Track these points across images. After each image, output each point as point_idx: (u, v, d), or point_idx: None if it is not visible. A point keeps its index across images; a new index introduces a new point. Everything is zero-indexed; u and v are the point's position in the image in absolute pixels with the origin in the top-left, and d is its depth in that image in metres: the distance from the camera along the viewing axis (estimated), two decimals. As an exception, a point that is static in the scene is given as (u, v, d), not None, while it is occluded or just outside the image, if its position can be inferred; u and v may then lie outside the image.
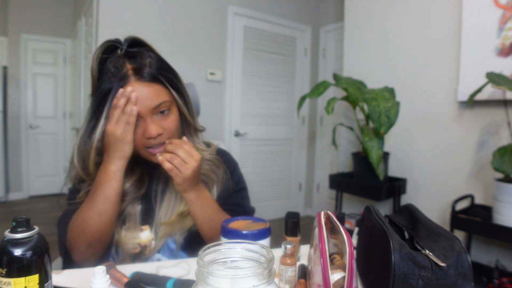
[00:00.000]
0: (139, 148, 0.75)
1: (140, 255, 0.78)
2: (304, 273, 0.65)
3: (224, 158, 0.91)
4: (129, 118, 0.70)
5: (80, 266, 0.75)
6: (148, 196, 0.82)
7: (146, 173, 0.84)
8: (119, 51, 0.76)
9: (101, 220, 0.72)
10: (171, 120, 0.76)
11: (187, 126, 0.85)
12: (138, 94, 0.71)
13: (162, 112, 0.74)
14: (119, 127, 0.70)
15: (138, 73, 0.72)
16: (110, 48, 0.77)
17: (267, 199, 3.35)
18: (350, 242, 0.48)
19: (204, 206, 0.78)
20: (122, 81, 0.71)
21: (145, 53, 0.76)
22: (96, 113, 0.74)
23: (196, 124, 0.86)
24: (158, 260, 0.79)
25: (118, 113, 0.70)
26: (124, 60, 0.73)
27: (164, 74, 0.75)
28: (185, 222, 0.80)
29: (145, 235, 0.79)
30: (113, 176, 0.72)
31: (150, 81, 0.72)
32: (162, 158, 0.72)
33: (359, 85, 2.04)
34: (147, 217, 0.80)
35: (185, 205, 0.80)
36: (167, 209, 0.80)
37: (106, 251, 0.77)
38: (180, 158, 0.71)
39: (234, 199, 0.89)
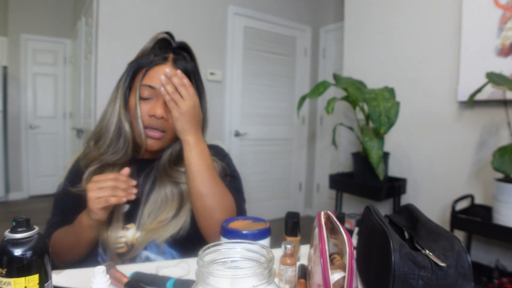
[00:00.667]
0: (139, 124, 0.76)
1: (128, 253, 0.78)
2: (304, 273, 0.65)
3: (213, 151, 0.88)
4: (118, 195, 0.69)
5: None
6: (136, 194, 0.79)
7: (135, 173, 0.82)
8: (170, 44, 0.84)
9: (75, 246, 0.76)
10: None
11: None
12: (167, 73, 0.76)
13: None
14: (98, 201, 0.68)
15: (176, 62, 0.80)
16: (164, 40, 0.84)
17: (267, 199, 3.35)
18: (350, 242, 0.48)
19: (201, 156, 0.77)
20: (160, 61, 0.78)
21: (188, 57, 0.84)
22: (123, 82, 0.80)
23: (204, 130, 0.87)
24: (147, 257, 0.79)
25: (111, 184, 0.69)
26: (170, 51, 0.82)
27: (194, 78, 0.83)
28: (166, 230, 0.78)
29: (131, 233, 0.78)
30: (90, 229, 0.73)
31: (182, 72, 0.78)
32: (163, 90, 0.75)
33: (359, 85, 2.04)
34: (132, 216, 0.79)
35: (167, 213, 0.79)
36: (150, 214, 0.79)
37: (84, 257, 0.79)
38: (180, 95, 0.74)
39: (227, 181, 0.87)
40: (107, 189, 0.68)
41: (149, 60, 0.78)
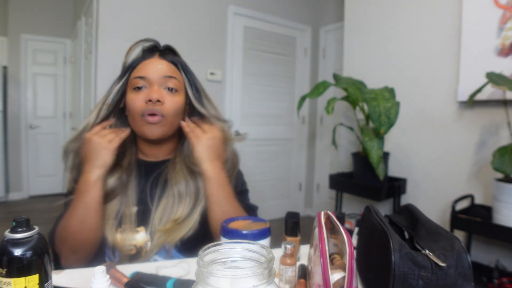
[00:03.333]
0: (136, 115, 0.78)
1: (137, 256, 0.78)
2: (304, 273, 0.65)
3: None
4: (121, 132, 0.77)
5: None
6: (145, 197, 0.82)
7: (135, 168, 0.84)
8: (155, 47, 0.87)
9: (82, 227, 0.73)
10: (176, 100, 0.80)
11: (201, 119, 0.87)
12: (155, 64, 0.80)
13: (170, 90, 0.79)
14: (108, 136, 0.75)
15: (163, 54, 0.83)
16: (147, 43, 0.87)
17: (267, 199, 3.35)
18: (350, 242, 0.48)
19: (221, 186, 0.77)
20: (147, 55, 0.82)
21: (176, 56, 0.86)
22: (117, 82, 0.83)
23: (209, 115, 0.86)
24: (155, 260, 0.79)
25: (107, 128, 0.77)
26: (156, 49, 0.85)
27: (184, 68, 0.85)
28: (180, 230, 0.78)
29: (141, 236, 0.78)
30: (93, 185, 0.72)
31: (170, 62, 0.82)
32: (185, 123, 0.79)
33: (359, 85, 2.04)
34: (143, 219, 0.80)
35: (182, 212, 0.79)
36: (163, 215, 0.79)
37: (93, 256, 0.77)
38: (201, 129, 0.78)
39: (239, 198, 0.88)
40: (106, 134, 0.75)
41: (138, 59, 0.83)
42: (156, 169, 0.84)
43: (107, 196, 0.78)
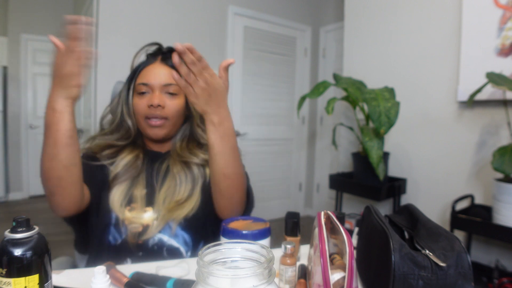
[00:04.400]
0: (140, 118, 0.86)
1: (142, 233, 0.81)
2: (304, 273, 0.65)
3: None
4: (84, 55, 0.64)
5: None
6: (151, 181, 0.88)
7: (143, 156, 0.90)
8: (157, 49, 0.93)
9: (54, 165, 0.69)
10: (176, 103, 0.86)
11: (195, 120, 0.93)
12: (157, 71, 0.85)
13: (171, 94, 0.86)
14: (69, 61, 0.63)
15: (164, 59, 0.88)
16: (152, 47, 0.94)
17: (267, 199, 3.35)
18: (350, 242, 0.48)
19: (224, 136, 0.74)
20: (150, 60, 0.89)
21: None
22: (126, 85, 0.90)
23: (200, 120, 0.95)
24: (160, 239, 0.82)
25: (71, 43, 0.63)
26: (159, 53, 0.91)
27: None
28: (183, 209, 0.84)
29: (148, 215, 0.83)
30: (60, 117, 0.67)
31: (171, 67, 0.86)
32: (176, 76, 0.70)
33: (359, 85, 2.04)
34: (150, 200, 0.85)
35: (183, 193, 0.85)
36: (166, 195, 0.85)
37: (76, 200, 0.75)
38: (195, 76, 0.69)
39: None
40: (73, 56, 0.63)
41: (142, 63, 0.89)
42: (159, 157, 0.92)
43: (121, 179, 0.85)
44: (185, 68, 0.69)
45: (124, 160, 0.87)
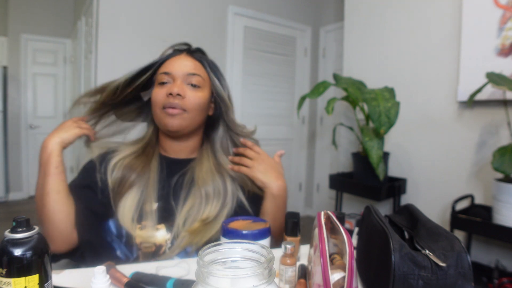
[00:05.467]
0: (158, 108, 0.79)
1: (155, 254, 0.76)
2: (304, 273, 0.65)
3: None
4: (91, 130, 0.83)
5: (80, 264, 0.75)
6: (166, 195, 0.80)
7: (155, 163, 0.83)
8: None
9: (42, 203, 0.73)
10: (198, 95, 0.80)
11: (224, 122, 0.89)
12: (182, 61, 0.81)
13: (193, 86, 0.80)
14: (83, 124, 0.82)
15: (190, 52, 0.85)
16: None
17: (267, 199, 3.35)
18: (350, 242, 0.48)
19: (281, 205, 0.82)
20: (176, 53, 0.84)
21: (204, 56, 0.88)
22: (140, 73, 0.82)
23: (230, 119, 0.88)
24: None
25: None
26: (186, 46, 0.87)
27: (211, 67, 0.86)
28: (208, 231, 0.76)
29: (161, 234, 0.76)
30: (49, 155, 0.77)
31: (197, 60, 0.83)
32: (231, 165, 0.84)
33: (359, 85, 2.04)
34: (164, 216, 0.78)
35: (209, 212, 0.77)
36: (188, 215, 0.77)
37: (65, 242, 0.74)
38: (248, 158, 0.83)
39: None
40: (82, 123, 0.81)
41: (165, 57, 0.84)
42: (179, 167, 0.84)
43: (127, 188, 0.78)
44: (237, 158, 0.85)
45: (134, 171, 0.79)
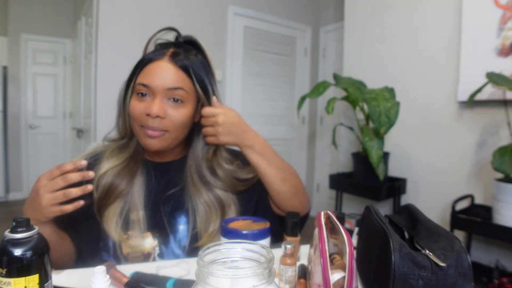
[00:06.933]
0: (136, 123, 0.72)
1: (144, 262, 0.75)
2: (304, 273, 0.65)
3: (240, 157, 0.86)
4: (67, 191, 0.61)
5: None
6: (152, 201, 0.76)
7: (140, 168, 0.78)
8: (175, 39, 0.81)
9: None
10: (180, 113, 0.72)
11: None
12: (163, 71, 0.71)
13: (175, 101, 0.71)
14: (49, 196, 0.60)
15: (174, 57, 0.73)
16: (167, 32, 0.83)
17: (267, 199, 3.35)
18: (350, 242, 0.48)
19: (262, 153, 0.78)
20: (158, 56, 0.73)
21: (193, 51, 0.78)
22: (127, 82, 0.76)
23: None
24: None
25: (58, 174, 0.61)
26: (171, 45, 0.78)
27: (197, 72, 0.75)
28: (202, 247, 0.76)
29: (148, 242, 0.75)
30: (40, 224, 0.63)
31: (180, 68, 0.73)
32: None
33: (359, 85, 2.04)
34: (152, 224, 0.75)
35: (214, 224, 0.76)
36: (182, 236, 0.76)
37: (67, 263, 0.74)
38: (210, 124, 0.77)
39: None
40: (59, 193, 0.60)
41: (147, 56, 0.74)
42: (165, 170, 0.80)
43: (111, 195, 0.73)
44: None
45: (118, 176, 0.74)
